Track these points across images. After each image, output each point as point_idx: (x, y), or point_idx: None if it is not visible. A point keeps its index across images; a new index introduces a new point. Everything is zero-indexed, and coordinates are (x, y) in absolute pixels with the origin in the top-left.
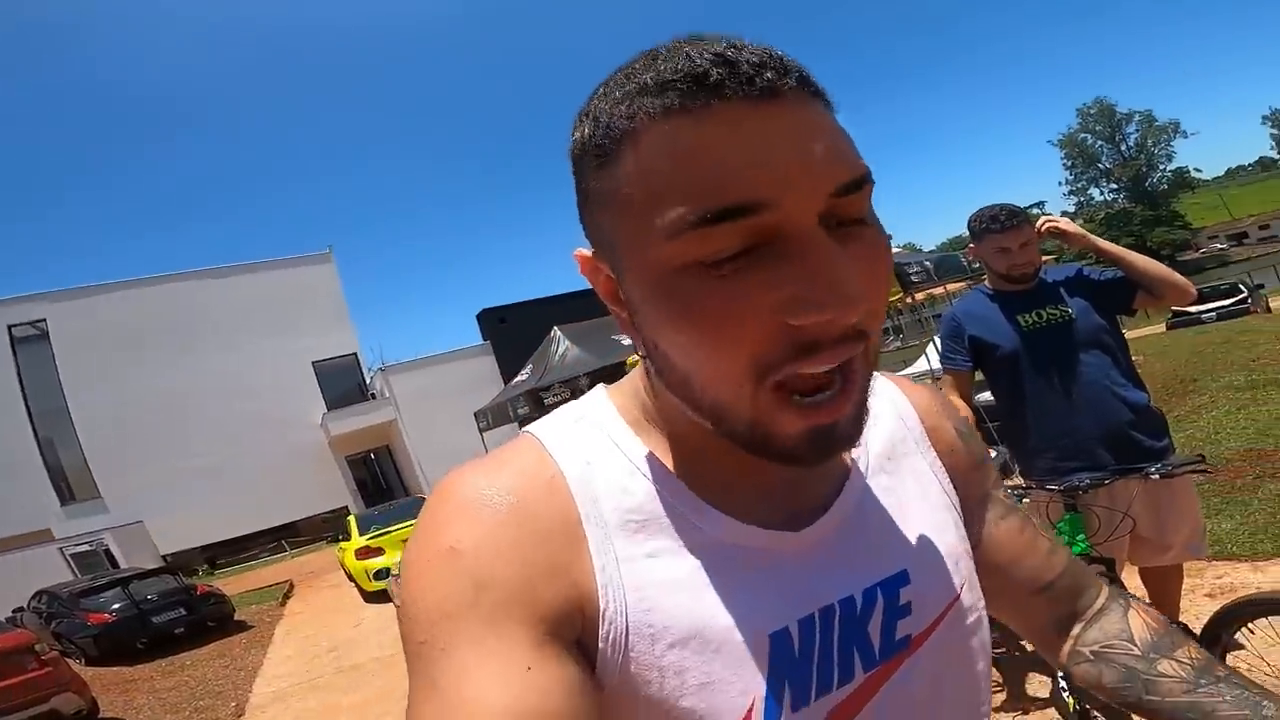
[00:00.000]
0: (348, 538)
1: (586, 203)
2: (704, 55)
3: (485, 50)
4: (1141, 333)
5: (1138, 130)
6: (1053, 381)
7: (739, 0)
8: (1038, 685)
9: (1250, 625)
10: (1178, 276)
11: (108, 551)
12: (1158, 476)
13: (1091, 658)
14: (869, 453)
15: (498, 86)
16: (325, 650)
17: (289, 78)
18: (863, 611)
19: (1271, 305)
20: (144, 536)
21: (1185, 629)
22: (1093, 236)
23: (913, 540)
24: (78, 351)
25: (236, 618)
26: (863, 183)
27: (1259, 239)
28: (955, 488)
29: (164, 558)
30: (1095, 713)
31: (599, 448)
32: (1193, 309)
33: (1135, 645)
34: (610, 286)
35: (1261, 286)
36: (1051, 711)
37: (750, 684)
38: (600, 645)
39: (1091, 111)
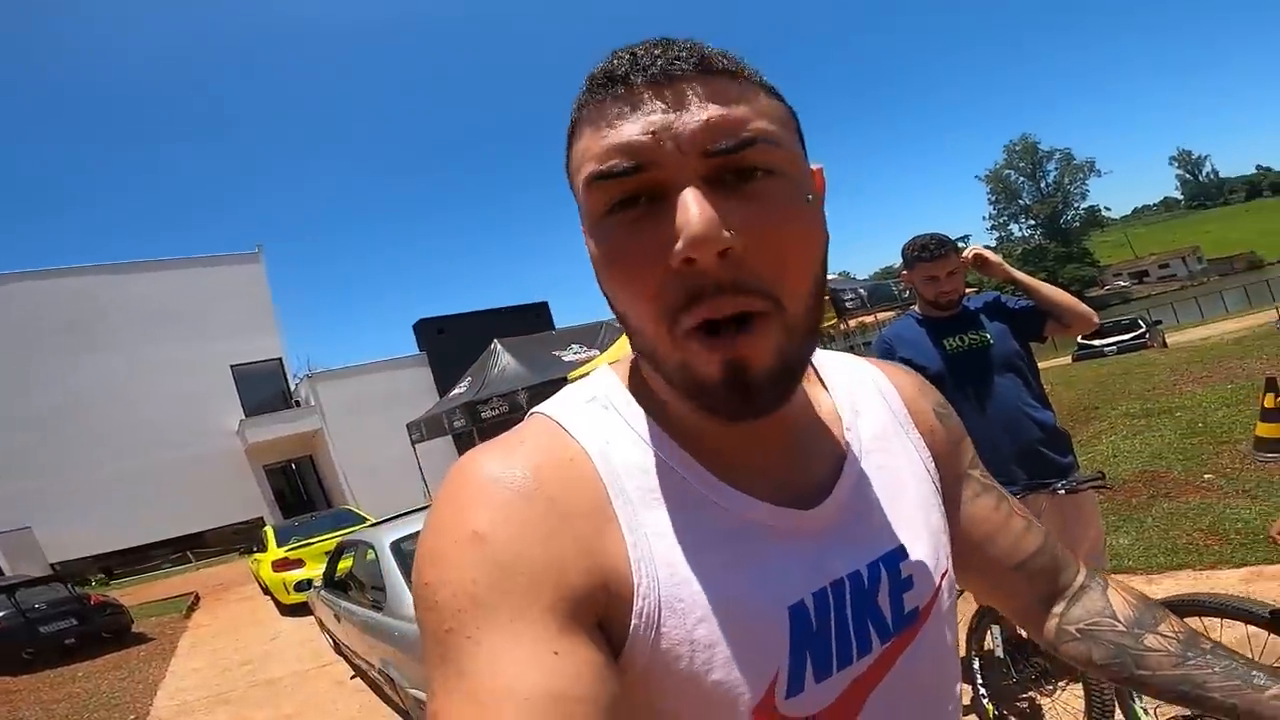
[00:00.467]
0: (263, 549)
1: (570, 183)
2: (622, 56)
3: (436, 59)
4: (1049, 364)
5: (1057, 168)
6: (972, 402)
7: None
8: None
9: None
10: (1082, 306)
11: None
12: (1064, 492)
13: (1079, 635)
14: (863, 433)
15: (446, 96)
16: (238, 664)
17: (228, 75)
18: (870, 585)
19: (1168, 340)
20: (31, 543)
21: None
22: (1009, 268)
23: (906, 517)
24: None
25: (135, 630)
26: (747, 144)
27: (1159, 277)
28: (937, 467)
29: (53, 566)
30: (1013, 719)
31: (614, 426)
32: (1096, 342)
33: (1119, 621)
34: None
35: (1159, 322)
36: (972, 718)
37: (773, 655)
38: (634, 622)
39: (1017, 148)
